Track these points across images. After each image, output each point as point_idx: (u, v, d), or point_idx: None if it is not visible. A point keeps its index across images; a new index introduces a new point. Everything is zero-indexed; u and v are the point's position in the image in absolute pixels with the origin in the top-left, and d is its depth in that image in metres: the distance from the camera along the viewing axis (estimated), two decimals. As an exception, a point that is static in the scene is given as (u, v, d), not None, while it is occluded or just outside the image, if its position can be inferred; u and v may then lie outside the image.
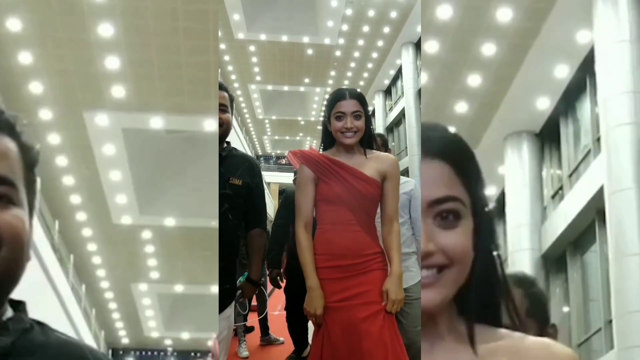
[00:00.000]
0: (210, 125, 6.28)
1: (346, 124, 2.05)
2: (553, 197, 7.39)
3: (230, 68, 21.60)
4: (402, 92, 19.79)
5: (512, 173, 7.54)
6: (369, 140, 2.18)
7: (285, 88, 24.60)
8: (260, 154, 35.37)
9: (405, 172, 19.84)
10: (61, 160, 6.56)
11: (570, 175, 7.10)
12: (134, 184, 6.73)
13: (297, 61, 20.75)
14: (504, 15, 5.93)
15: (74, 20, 5.38)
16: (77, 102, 6.10)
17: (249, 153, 25.28)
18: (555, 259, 7.37)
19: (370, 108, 26.43)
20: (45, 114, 6.16)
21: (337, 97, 2.13)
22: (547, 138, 7.53)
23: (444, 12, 5.87)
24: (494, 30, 6.17)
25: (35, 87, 5.96)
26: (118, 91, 6.06)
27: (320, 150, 2.27)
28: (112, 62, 5.73)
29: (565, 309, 7.19)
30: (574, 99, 7.05)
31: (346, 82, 21.57)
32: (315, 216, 2.14)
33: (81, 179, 6.69)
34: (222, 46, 18.80)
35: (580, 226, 6.78)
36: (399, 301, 2.00)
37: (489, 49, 6.24)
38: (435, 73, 6.78)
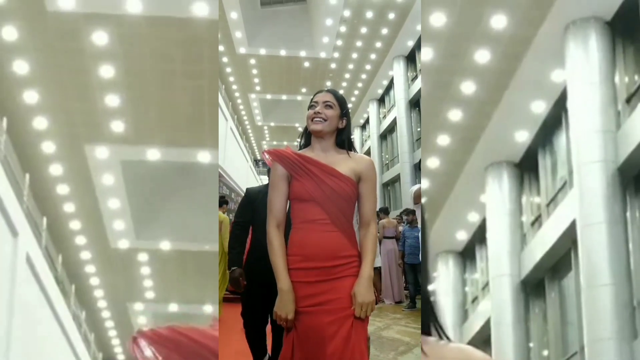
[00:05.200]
0: (204, 157, 6.65)
1: (315, 110, 2.06)
2: (532, 224, 7.60)
3: (231, 79, 22.06)
4: (395, 102, 20.09)
5: (493, 201, 7.77)
6: (346, 141, 2.12)
7: (284, 97, 25.00)
8: (258, 158, 35.65)
9: (397, 179, 20.16)
10: (62, 189, 6.91)
11: (548, 205, 7.30)
12: (131, 211, 7.06)
13: (295, 73, 21.14)
14: (482, 56, 6.29)
15: (77, 63, 5.72)
16: (78, 136, 6.45)
17: (248, 158, 25.30)
18: (535, 284, 7.56)
19: (364, 115, 26.78)
20: (49, 147, 6.50)
21: (315, 93, 2.18)
22: (527, 168, 7.76)
23: (426, 54, 6.22)
24: (474, 69, 6.51)
25: (40, 123, 6.31)
26: (117, 126, 6.42)
27: (298, 148, 2.19)
28: (112, 100, 6.08)
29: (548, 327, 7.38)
30: (550, 132, 7.31)
31: (341, 92, 21.93)
32: (290, 215, 2.05)
33: (81, 207, 7.02)
34: (225, 60, 19.30)
35: (557, 254, 6.99)
36: (367, 304, 1.88)
37: (469, 87, 6.59)
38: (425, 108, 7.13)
